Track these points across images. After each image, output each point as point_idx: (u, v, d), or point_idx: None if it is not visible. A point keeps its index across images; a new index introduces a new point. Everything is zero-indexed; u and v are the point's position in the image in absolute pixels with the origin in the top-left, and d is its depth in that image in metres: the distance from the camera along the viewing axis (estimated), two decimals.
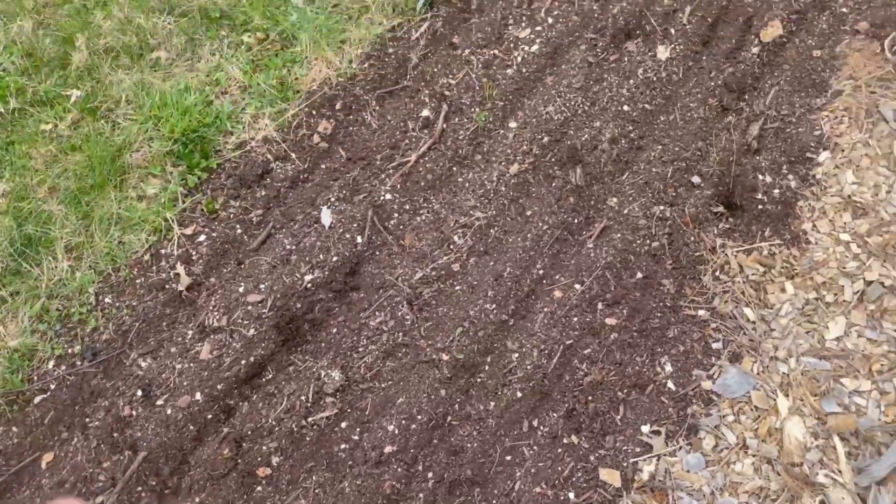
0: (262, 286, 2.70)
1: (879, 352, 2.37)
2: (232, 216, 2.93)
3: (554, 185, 2.89)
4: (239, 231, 2.90)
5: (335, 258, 2.75)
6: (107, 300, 2.75)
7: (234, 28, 3.39)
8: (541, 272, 2.69)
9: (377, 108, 3.20)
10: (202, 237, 2.89)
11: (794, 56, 3.07)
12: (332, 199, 2.93)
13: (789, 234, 2.65)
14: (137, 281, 2.79)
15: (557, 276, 2.68)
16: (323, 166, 3.06)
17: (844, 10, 3.17)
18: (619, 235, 2.73)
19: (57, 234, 2.84)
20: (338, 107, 3.19)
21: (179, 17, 3.40)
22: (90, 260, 2.83)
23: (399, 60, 3.32)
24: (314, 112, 3.17)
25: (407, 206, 2.91)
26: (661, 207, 2.77)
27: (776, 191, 2.75)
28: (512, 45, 3.30)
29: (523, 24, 3.36)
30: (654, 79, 3.09)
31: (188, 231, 2.89)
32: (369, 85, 3.25)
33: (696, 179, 2.82)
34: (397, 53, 3.35)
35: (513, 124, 3.08)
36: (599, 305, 2.59)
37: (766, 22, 3.16)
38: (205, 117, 3.12)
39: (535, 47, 3.27)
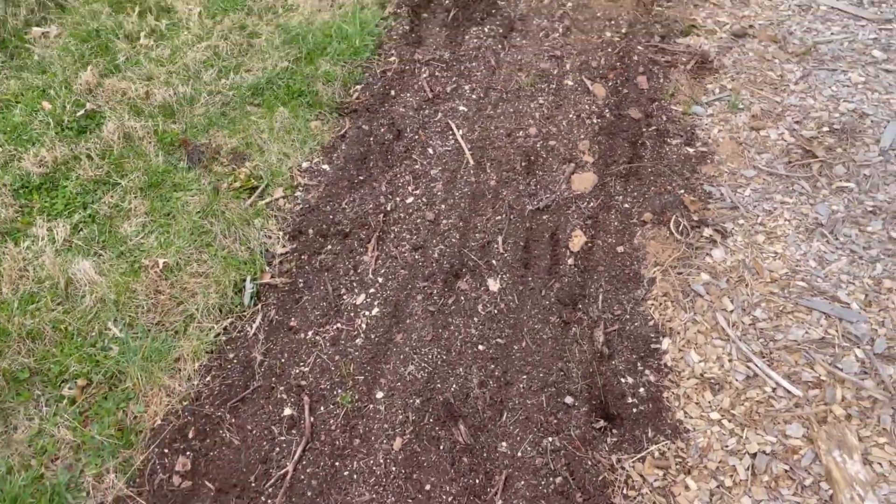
0: None
1: None
2: None
3: (442, 448, 2.83)
4: None
5: None
6: None
7: (49, 383, 3.06)
8: None
9: (234, 421, 2.99)
10: None
11: (603, 257, 3.40)
12: None
13: (669, 429, 2.80)
14: None
15: None
16: None
17: (626, 205, 3.62)
18: (522, 483, 2.70)
19: None
20: (191, 435, 2.93)
21: None
22: None
23: (242, 362, 3.18)
24: (166, 450, 2.88)
25: None
26: (550, 439, 2.81)
27: (641, 389, 2.92)
28: (352, 315, 3.31)
29: (356, 290, 3.41)
30: (495, 311, 3.25)
31: None
32: (218, 399, 3.05)
33: (569, 400, 2.93)
34: (238, 355, 3.21)
35: (380, 395, 3.03)
36: None
37: (570, 233, 3.50)
38: (38, 499, 2.71)
39: (375, 310, 3.31)
